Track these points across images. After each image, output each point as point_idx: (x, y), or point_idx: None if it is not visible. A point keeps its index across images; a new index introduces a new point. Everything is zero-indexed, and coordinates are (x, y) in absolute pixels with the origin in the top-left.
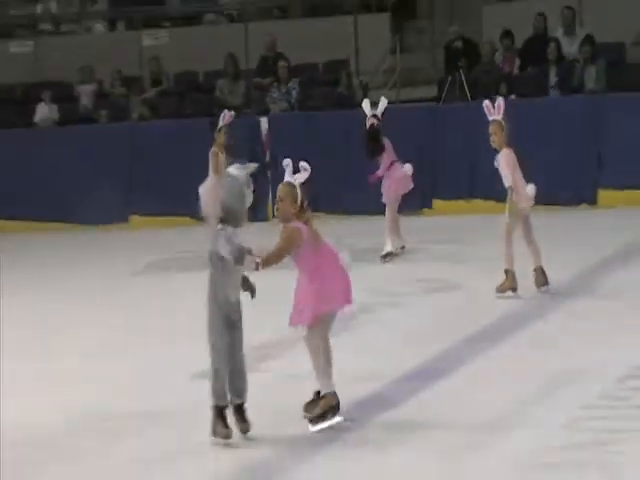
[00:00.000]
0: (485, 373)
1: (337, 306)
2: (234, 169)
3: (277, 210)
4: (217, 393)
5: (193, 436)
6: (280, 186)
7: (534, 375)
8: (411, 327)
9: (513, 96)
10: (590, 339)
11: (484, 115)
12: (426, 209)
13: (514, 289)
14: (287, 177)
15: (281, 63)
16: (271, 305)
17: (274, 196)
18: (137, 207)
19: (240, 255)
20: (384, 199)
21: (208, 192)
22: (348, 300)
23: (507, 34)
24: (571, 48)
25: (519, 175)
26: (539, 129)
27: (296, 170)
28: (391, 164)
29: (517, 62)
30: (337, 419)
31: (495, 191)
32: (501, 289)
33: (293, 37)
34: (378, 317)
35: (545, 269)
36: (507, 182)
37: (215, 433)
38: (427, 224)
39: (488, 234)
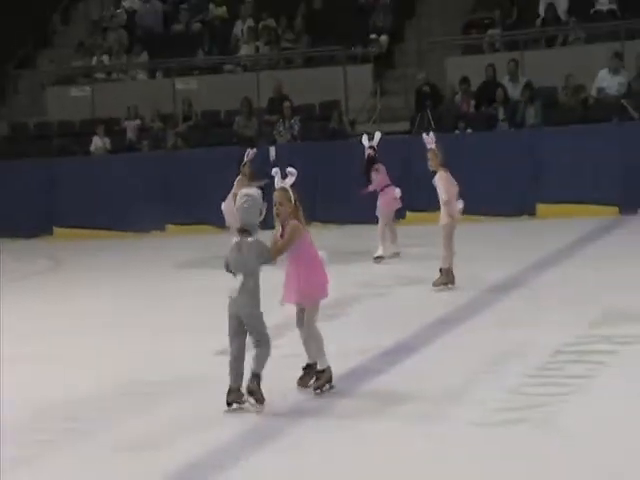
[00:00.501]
0: (445, 351)
1: (325, 295)
2: (249, 190)
3: (277, 215)
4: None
5: (207, 406)
6: (276, 192)
7: (482, 352)
8: (390, 314)
9: (469, 130)
10: (526, 323)
11: (447, 145)
12: (401, 219)
13: (446, 284)
14: (278, 183)
15: (286, 104)
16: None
17: None
18: (172, 218)
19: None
20: (377, 212)
21: (229, 208)
22: (327, 292)
23: (465, 80)
24: (515, 92)
25: (453, 192)
26: (490, 156)
27: (284, 176)
28: (386, 186)
29: (472, 103)
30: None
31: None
32: (436, 283)
33: (295, 83)
34: (365, 305)
35: (482, 268)
36: (444, 196)
37: (259, 400)
38: (402, 232)
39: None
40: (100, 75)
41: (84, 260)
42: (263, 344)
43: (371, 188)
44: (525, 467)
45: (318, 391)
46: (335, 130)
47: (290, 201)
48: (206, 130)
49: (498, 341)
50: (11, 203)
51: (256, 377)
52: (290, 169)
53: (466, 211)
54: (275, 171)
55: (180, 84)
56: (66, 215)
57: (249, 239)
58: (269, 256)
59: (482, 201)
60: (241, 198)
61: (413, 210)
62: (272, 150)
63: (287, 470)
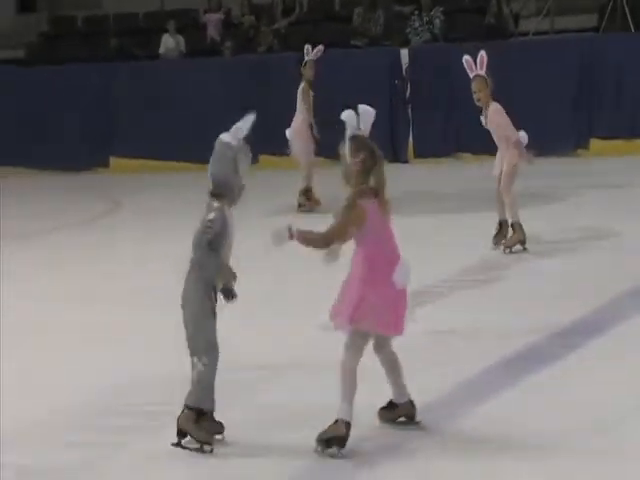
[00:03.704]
0: None
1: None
2: (226, 135)
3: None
4: None
5: None
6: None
7: None
8: (569, 279)
9: None
10: None
11: None
12: (582, 150)
13: (523, 242)
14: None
15: None
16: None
17: (415, 135)
18: (265, 148)
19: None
20: None
21: (297, 133)
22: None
23: None
24: None
25: (511, 127)
26: None
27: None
28: None
29: None
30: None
31: None
32: (509, 244)
33: None
34: (534, 268)
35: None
36: (513, 135)
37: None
38: (582, 167)
39: None
40: None
41: (150, 202)
42: (199, 366)
43: None
44: None
45: (319, 449)
46: (492, 26)
47: (353, 157)
48: (315, 26)
49: None
50: (53, 125)
51: (191, 410)
52: (346, 113)
53: None
54: (347, 114)
55: None
56: (127, 141)
57: (214, 204)
58: (206, 250)
59: None
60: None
61: (599, 137)
62: (404, 54)
63: None
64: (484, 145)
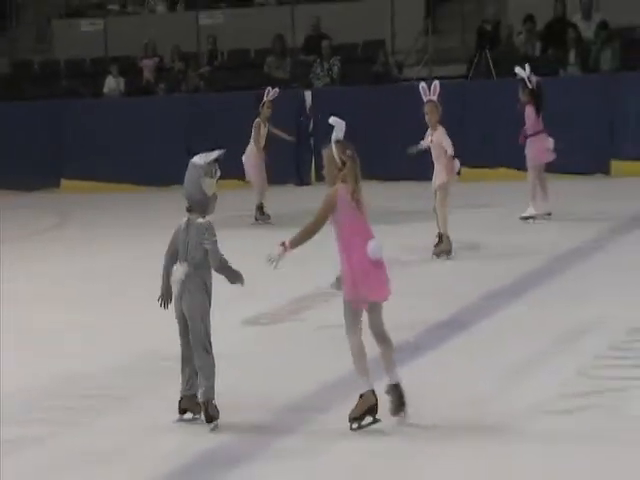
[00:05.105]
0: (503, 327)
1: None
2: (198, 157)
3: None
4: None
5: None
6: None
7: (546, 330)
8: (439, 283)
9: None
10: (598, 296)
11: (507, 93)
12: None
13: (449, 252)
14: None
15: (324, 42)
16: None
17: (317, 163)
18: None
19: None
20: (527, 164)
21: (250, 159)
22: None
23: (529, 18)
24: (588, 31)
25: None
26: (557, 105)
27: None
28: (537, 133)
29: (538, 44)
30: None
31: (511, 160)
32: (437, 252)
33: (336, 19)
34: (412, 273)
35: (548, 233)
36: (451, 149)
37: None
38: (455, 190)
39: (510, 199)
40: (114, 7)
41: (94, 216)
42: (206, 363)
43: (529, 131)
44: (590, 459)
45: (354, 425)
46: (380, 73)
47: (330, 163)
48: (233, 71)
49: (565, 317)
50: (11, 152)
51: (205, 404)
52: (333, 119)
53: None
54: (334, 120)
55: (204, 19)
56: (75, 165)
57: (198, 219)
58: (216, 256)
59: None
60: None
61: (469, 166)
62: (308, 95)
63: None
64: (378, 169)
